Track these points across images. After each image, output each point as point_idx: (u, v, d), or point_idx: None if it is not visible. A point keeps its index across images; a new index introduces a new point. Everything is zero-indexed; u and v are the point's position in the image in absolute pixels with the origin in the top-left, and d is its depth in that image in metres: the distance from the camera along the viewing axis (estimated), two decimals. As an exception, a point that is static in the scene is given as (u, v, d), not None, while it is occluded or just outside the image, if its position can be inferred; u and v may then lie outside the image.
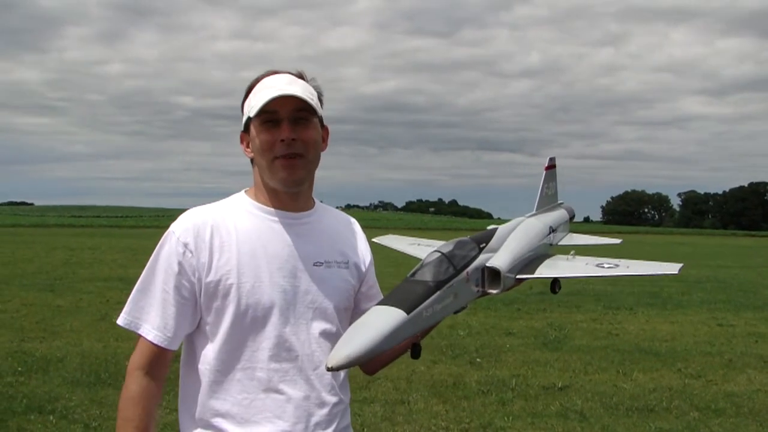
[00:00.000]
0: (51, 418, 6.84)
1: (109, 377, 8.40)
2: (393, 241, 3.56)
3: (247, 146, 2.27)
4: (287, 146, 2.14)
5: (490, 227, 2.82)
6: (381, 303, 2.18)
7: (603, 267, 2.92)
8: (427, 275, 2.29)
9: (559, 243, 3.38)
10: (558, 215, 3.53)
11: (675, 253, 37.85)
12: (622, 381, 8.77)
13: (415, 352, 2.30)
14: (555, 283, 2.91)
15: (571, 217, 3.69)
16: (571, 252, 3.13)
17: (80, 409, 7.15)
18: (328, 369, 1.99)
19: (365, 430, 6.62)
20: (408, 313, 2.13)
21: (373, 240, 3.70)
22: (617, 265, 2.95)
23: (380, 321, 2.09)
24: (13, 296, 15.71)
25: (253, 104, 2.17)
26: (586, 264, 2.97)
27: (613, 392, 8.20)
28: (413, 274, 2.32)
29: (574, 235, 3.63)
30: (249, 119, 2.20)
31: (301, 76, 2.25)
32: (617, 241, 4.27)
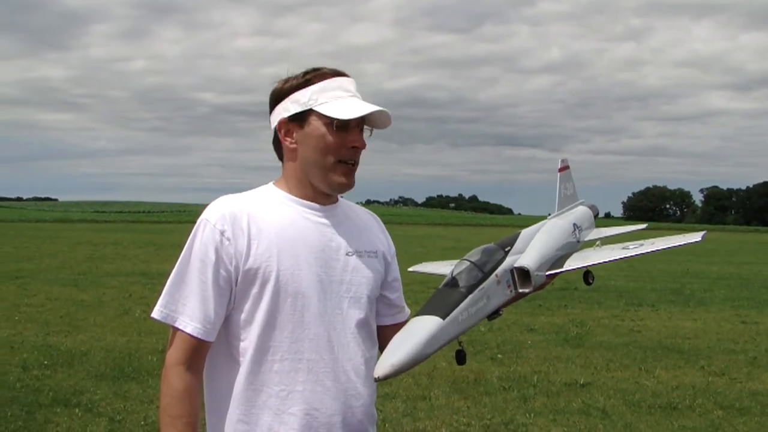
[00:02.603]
0: (77, 411, 6.92)
1: (133, 371, 8.49)
2: (429, 267, 3.62)
3: (286, 135, 2.23)
4: (354, 153, 2.20)
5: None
6: (418, 314, 2.27)
7: (629, 249, 2.97)
8: (458, 282, 2.37)
9: (587, 238, 3.39)
10: (580, 212, 3.53)
11: (697, 249, 37.54)
12: (645, 378, 8.72)
13: (460, 358, 2.40)
14: (588, 275, 2.95)
15: (595, 215, 3.68)
16: (597, 243, 3.18)
17: (105, 402, 7.24)
18: (376, 380, 2.07)
19: (387, 425, 6.64)
20: (444, 318, 2.22)
21: (409, 270, 3.74)
22: (642, 244, 3.00)
23: (419, 329, 2.18)
24: (38, 291, 15.90)
25: (328, 103, 2.16)
26: (612, 250, 3.03)
27: (636, 389, 8.16)
28: (445, 284, 2.40)
29: (602, 229, 3.63)
30: (306, 111, 2.17)
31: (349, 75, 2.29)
32: (642, 226, 4.27)
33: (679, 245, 3.01)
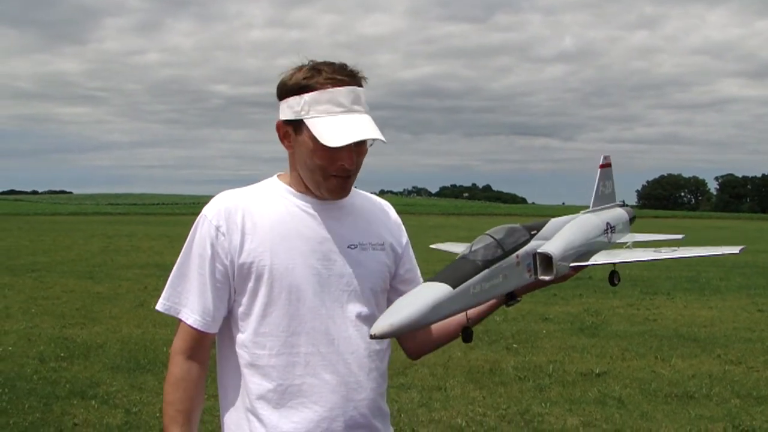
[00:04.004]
0: (93, 402, 6.97)
1: (148, 363, 8.53)
2: (452, 246, 3.55)
3: (284, 137, 2.20)
4: (344, 170, 2.13)
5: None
6: (429, 280, 2.19)
7: (661, 252, 2.89)
8: (476, 255, 2.28)
9: (618, 241, 3.30)
10: (617, 213, 3.41)
11: (713, 238, 37.30)
12: (661, 367, 8.68)
13: (466, 336, 2.32)
14: (613, 275, 2.88)
15: (632, 219, 3.57)
16: (628, 244, 3.09)
17: (121, 394, 7.28)
18: (372, 337, 1.98)
19: (402, 416, 6.64)
20: (454, 287, 2.13)
21: (431, 246, 3.70)
22: (675, 251, 2.91)
23: (425, 294, 2.09)
24: (54, 283, 16.01)
25: (318, 118, 2.08)
26: (644, 251, 2.94)
27: (652, 378, 8.12)
28: (463, 256, 2.32)
29: (636, 234, 3.53)
30: (299, 120, 2.11)
31: (354, 75, 2.15)
32: (679, 236, 4.15)
33: (715, 255, 2.94)
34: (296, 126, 2.15)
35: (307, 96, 2.10)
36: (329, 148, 2.07)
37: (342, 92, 2.11)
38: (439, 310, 2.08)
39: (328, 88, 2.10)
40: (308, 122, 2.09)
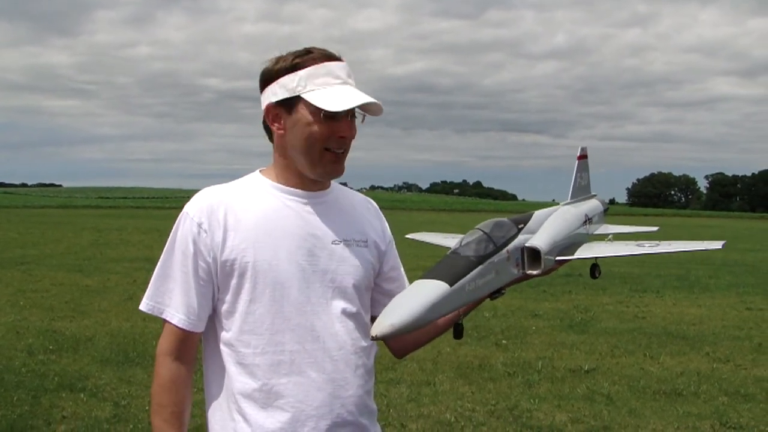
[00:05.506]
0: (82, 395, 6.94)
1: (137, 356, 8.50)
2: (427, 237, 3.55)
3: (274, 120, 2.17)
4: (342, 142, 2.13)
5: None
6: (424, 276, 2.17)
7: (644, 246, 2.92)
8: (468, 251, 2.27)
9: (595, 233, 3.33)
10: (593, 205, 3.47)
11: (702, 236, 37.38)
12: (650, 364, 8.71)
13: (458, 332, 2.31)
14: (595, 268, 2.90)
15: (605, 210, 3.62)
16: (609, 237, 3.12)
17: (110, 387, 7.25)
18: (373, 338, 1.99)
19: (391, 411, 6.64)
20: (451, 285, 2.12)
21: (406, 236, 3.68)
22: (658, 245, 2.95)
23: (424, 292, 2.07)
24: (43, 276, 15.94)
25: (315, 91, 2.09)
26: (626, 245, 2.97)
27: (641, 376, 8.15)
28: (454, 251, 2.30)
29: (610, 225, 3.57)
30: (294, 98, 2.11)
31: (341, 58, 2.19)
32: (654, 228, 4.20)
33: (698, 250, 2.99)
34: (289, 105, 2.13)
35: (302, 72, 2.11)
36: (328, 119, 2.08)
37: (337, 66, 2.14)
38: (437, 309, 2.07)
39: (323, 63, 2.13)
40: (307, 95, 2.09)
